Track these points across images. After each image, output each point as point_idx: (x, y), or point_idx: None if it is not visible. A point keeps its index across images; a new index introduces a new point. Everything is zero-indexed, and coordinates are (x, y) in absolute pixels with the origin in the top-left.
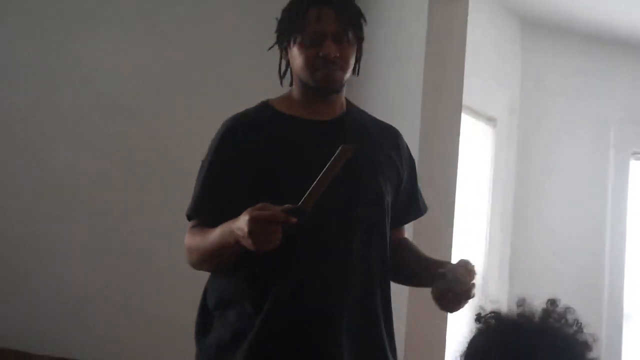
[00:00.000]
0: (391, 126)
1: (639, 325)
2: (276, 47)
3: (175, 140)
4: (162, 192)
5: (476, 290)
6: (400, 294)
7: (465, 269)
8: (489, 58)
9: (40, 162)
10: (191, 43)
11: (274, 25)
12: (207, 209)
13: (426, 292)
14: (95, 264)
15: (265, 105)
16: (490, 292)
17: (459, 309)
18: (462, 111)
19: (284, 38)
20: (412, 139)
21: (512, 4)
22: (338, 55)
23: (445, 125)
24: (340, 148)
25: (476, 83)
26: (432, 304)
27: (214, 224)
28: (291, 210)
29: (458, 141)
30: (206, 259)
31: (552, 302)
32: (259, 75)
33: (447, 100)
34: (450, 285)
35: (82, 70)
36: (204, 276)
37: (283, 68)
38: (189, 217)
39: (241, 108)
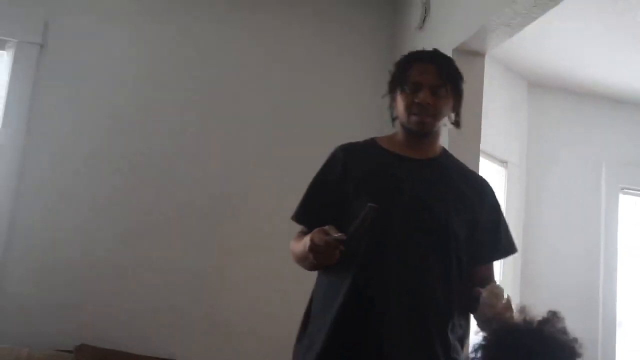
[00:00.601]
0: (479, 175)
1: (629, 331)
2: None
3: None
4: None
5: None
6: None
7: (491, 292)
8: (501, 111)
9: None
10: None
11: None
12: (306, 216)
13: None
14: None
15: (372, 141)
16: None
17: None
18: (480, 155)
19: (392, 87)
20: None
21: (520, 68)
22: (431, 103)
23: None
24: (368, 206)
25: (491, 132)
26: None
27: (318, 224)
28: (345, 240)
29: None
30: (299, 262)
31: (551, 313)
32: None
33: (468, 146)
34: (482, 310)
35: None
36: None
37: (392, 113)
38: (293, 218)
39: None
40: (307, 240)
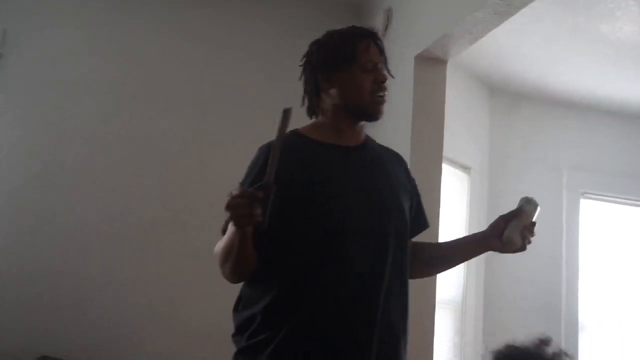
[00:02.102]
0: (397, 153)
1: (592, 334)
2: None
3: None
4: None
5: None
6: None
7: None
8: (463, 118)
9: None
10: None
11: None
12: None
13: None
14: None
15: (296, 134)
16: (468, 313)
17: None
18: (443, 161)
19: (340, 64)
20: None
21: (482, 74)
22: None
23: (429, 173)
24: (283, 110)
25: (453, 138)
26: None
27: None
28: (258, 186)
29: (440, 185)
30: (224, 260)
31: (545, 340)
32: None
33: (430, 152)
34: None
35: None
36: None
37: (313, 98)
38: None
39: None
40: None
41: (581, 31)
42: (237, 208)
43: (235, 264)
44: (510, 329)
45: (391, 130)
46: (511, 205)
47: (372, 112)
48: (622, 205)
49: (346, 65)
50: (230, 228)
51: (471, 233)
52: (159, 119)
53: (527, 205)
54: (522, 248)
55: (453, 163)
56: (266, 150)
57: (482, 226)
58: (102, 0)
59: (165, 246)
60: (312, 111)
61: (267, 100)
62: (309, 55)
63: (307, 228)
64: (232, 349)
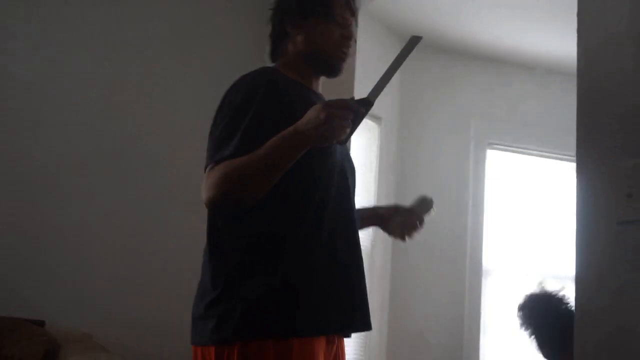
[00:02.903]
0: None
1: (495, 280)
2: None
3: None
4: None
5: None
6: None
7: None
8: (374, 67)
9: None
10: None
11: None
12: (249, 150)
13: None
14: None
15: (276, 70)
16: (377, 260)
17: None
18: None
19: (300, 13)
20: None
21: (394, 24)
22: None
23: None
24: (411, 37)
25: (364, 87)
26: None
27: None
28: (360, 101)
29: None
30: (252, 176)
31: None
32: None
33: None
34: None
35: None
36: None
37: (277, 42)
38: (219, 160)
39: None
40: (301, 123)
41: None
42: (340, 120)
43: (270, 180)
44: (417, 274)
45: None
46: (420, 154)
47: (334, 66)
48: (527, 156)
49: (319, 15)
50: (289, 139)
51: (374, 206)
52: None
53: (420, 205)
54: (402, 240)
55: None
56: (274, 83)
57: (392, 175)
58: None
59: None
60: (275, 56)
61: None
62: (280, 1)
63: (303, 166)
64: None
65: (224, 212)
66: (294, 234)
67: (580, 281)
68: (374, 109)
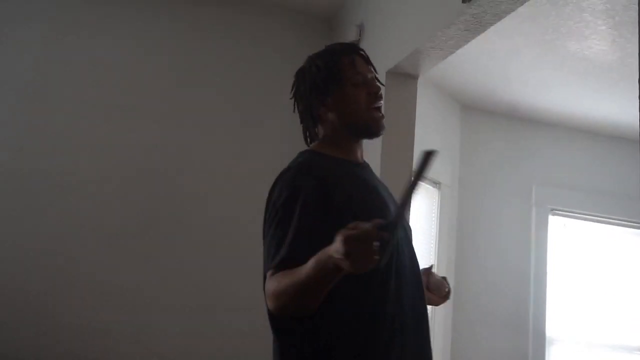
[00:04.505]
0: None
1: (560, 348)
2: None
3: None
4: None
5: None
6: None
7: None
8: (434, 133)
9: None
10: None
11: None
12: (303, 257)
13: None
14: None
15: (313, 152)
16: (437, 328)
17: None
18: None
19: (330, 85)
20: None
21: (453, 92)
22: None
23: (399, 189)
24: (424, 153)
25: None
26: None
27: None
28: (382, 226)
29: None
30: (302, 294)
31: None
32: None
33: (401, 168)
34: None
35: None
36: None
37: (311, 127)
38: (278, 267)
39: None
40: (331, 249)
41: (550, 49)
42: (361, 253)
43: (318, 295)
44: (479, 343)
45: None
46: (481, 220)
47: (373, 128)
48: (589, 222)
49: (336, 86)
50: (324, 263)
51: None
52: (136, 128)
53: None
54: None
55: (424, 178)
56: (320, 178)
57: (452, 241)
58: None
59: (144, 254)
60: (311, 140)
61: (242, 110)
62: (296, 85)
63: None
64: None
65: (289, 318)
66: (346, 347)
67: None
68: (433, 175)
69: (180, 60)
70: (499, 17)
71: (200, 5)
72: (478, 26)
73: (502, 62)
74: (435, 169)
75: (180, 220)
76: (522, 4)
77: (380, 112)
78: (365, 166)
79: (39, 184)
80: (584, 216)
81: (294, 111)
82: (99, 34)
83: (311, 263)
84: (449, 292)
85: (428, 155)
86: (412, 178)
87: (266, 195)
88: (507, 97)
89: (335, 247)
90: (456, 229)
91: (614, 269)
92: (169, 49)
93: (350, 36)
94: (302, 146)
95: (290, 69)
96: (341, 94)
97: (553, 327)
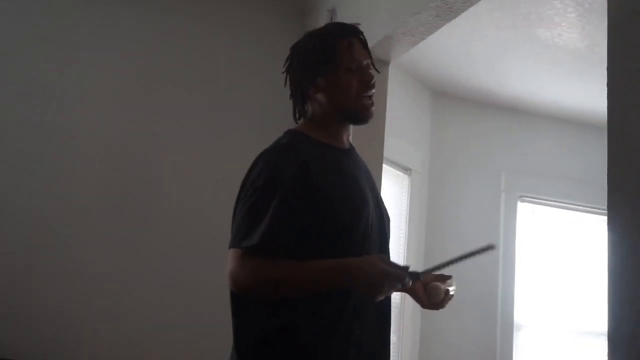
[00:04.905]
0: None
1: (527, 334)
2: (274, 83)
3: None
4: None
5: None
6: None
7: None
8: (405, 119)
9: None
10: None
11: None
12: (282, 241)
13: None
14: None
15: (301, 135)
16: (406, 314)
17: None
18: (384, 162)
19: (312, 71)
20: None
21: (424, 78)
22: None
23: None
24: (488, 244)
25: (394, 139)
26: None
27: (285, 255)
28: (411, 273)
29: (380, 186)
30: (303, 290)
31: None
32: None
33: (371, 153)
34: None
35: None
36: None
37: (300, 103)
38: (253, 248)
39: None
40: (356, 267)
41: (521, 36)
42: (387, 287)
43: (305, 295)
44: (447, 329)
45: None
46: (450, 206)
47: (362, 115)
48: (557, 209)
49: (329, 68)
50: (336, 273)
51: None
52: (111, 116)
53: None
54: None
55: (394, 164)
56: (303, 163)
57: (422, 227)
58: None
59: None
60: (298, 116)
61: (215, 97)
62: (290, 60)
63: (335, 233)
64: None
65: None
66: (307, 326)
67: (613, 337)
68: (404, 161)
69: (154, 46)
70: (470, 3)
71: None
72: (449, 12)
73: (473, 49)
74: (405, 154)
75: (155, 208)
76: None
77: (371, 100)
78: (350, 151)
79: (10, 170)
80: (553, 203)
81: (284, 85)
82: (78, 25)
83: (324, 267)
84: (442, 302)
85: (487, 248)
86: (460, 256)
87: (240, 182)
88: (478, 84)
89: (367, 270)
90: (426, 215)
91: (581, 255)
92: (142, 35)
93: (321, 21)
94: (275, 134)
95: (263, 54)
96: (333, 77)
97: (521, 313)
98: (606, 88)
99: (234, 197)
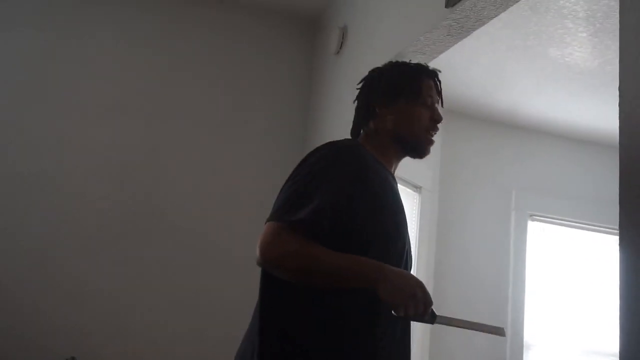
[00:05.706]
0: None
1: (537, 353)
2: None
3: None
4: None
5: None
6: None
7: None
8: None
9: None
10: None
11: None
12: (328, 223)
13: None
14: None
15: (362, 148)
16: (416, 335)
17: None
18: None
19: (390, 95)
20: None
21: None
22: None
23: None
24: (502, 329)
25: (405, 158)
26: None
27: (322, 241)
28: (432, 312)
29: None
30: (334, 275)
31: None
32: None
33: None
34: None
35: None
36: None
37: (363, 122)
38: (297, 222)
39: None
40: (388, 274)
41: (532, 55)
42: (416, 307)
43: (333, 286)
44: (456, 348)
45: None
46: (460, 225)
47: (422, 149)
48: (567, 228)
49: (409, 98)
50: (368, 271)
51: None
52: (120, 127)
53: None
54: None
55: (404, 182)
56: (365, 163)
57: (431, 245)
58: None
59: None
60: (356, 131)
61: (226, 110)
62: (368, 80)
63: (376, 238)
64: None
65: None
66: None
67: (624, 358)
68: (414, 179)
69: (165, 60)
70: (481, 22)
71: (186, 5)
72: (460, 31)
73: (484, 68)
74: (415, 172)
75: (164, 220)
76: (504, 10)
77: (433, 140)
78: (396, 181)
79: (20, 184)
80: (563, 222)
81: (353, 101)
82: (85, 33)
83: (355, 261)
84: None
85: (499, 332)
86: (472, 323)
87: (249, 195)
88: (489, 103)
89: (405, 280)
90: (436, 233)
91: (591, 274)
92: (154, 49)
93: (332, 39)
94: (285, 146)
95: (274, 69)
96: (410, 106)
97: (531, 331)
98: (618, 107)
99: (239, 213)
